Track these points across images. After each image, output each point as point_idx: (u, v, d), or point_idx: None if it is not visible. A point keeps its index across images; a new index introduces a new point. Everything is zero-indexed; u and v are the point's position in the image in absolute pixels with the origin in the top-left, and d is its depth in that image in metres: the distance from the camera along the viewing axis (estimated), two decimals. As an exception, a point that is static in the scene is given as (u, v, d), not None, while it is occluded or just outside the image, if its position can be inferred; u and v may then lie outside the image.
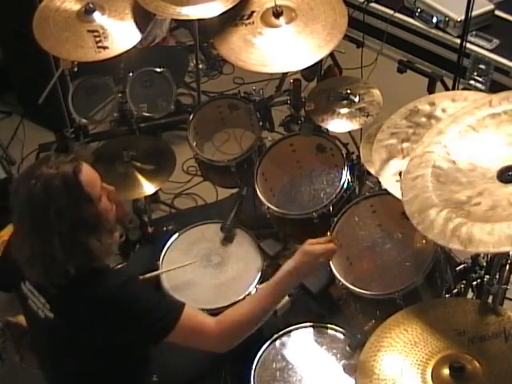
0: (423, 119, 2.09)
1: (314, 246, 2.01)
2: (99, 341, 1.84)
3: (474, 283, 2.25)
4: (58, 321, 1.86)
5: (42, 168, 1.77)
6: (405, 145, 2.05)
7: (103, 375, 1.92)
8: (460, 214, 1.61)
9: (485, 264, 2.25)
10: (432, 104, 2.12)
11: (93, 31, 2.65)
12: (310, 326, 2.29)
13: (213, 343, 1.91)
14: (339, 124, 2.57)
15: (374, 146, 2.10)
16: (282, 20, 2.58)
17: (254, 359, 2.18)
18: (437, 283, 2.18)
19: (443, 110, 2.08)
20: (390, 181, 2.01)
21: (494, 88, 2.72)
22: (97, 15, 2.69)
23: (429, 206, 1.67)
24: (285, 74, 3.77)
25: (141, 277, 2.38)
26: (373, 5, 3.10)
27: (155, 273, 2.49)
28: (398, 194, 1.87)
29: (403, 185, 1.77)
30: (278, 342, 2.25)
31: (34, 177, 1.76)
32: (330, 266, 2.26)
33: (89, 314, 1.82)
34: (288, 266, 1.98)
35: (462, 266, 2.25)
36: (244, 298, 2.41)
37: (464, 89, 2.89)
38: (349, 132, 2.86)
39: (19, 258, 1.83)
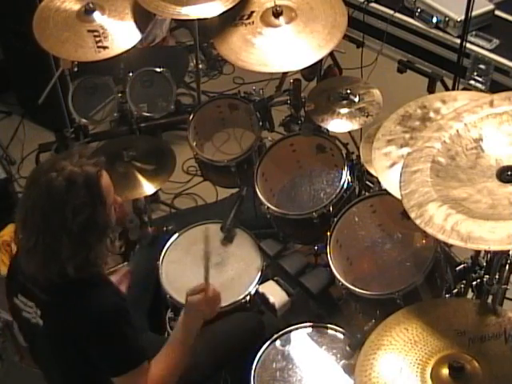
0: (417, 123, 2.09)
1: (191, 297, 1.99)
2: (75, 351, 1.84)
3: (474, 283, 2.25)
4: (45, 327, 1.86)
5: (65, 163, 1.78)
6: (404, 150, 2.05)
7: (93, 380, 1.92)
8: (460, 210, 1.62)
9: (485, 264, 2.25)
10: (423, 107, 2.12)
11: (93, 31, 2.65)
12: (310, 326, 2.29)
13: None
14: (339, 124, 2.57)
15: (373, 155, 2.09)
16: (281, 20, 2.58)
17: (254, 359, 2.18)
18: (437, 283, 2.18)
19: (436, 112, 2.08)
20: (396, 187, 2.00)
21: (494, 88, 2.72)
22: (97, 15, 2.69)
23: (428, 200, 1.67)
24: (285, 74, 3.77)
25: None
26: (373, 5, 3.10)
27: None
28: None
29: (402, 178, 1.77)
30: (277, 342, 2.25)
31: (55, 170, 1.76)
32: (330, 266, 2.26)
33: (71, 323, 1.81)
34: (180, 318, 1.99)
35: (461, 265, 2.26)
36: (244, 297, 2.42)
37: (464, 89, 2.90)
38: (349, 132, 2.86)
39: (20, 248, 1.83)
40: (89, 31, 2.65)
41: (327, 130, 2.64)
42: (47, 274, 1.79)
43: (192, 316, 1.98)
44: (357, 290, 2.18)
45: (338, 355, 2.19)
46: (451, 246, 2.16)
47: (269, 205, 2.53)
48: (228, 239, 2.64)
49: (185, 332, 1.97)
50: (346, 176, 2.49)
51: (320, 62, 3.13)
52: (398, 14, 3.02)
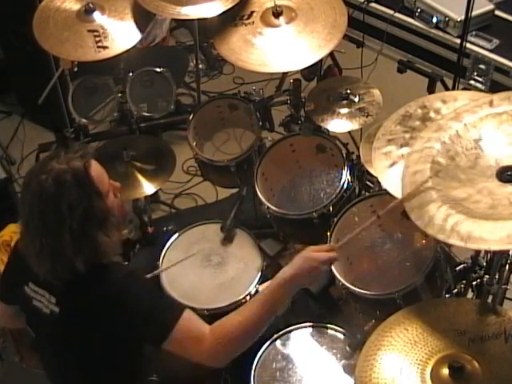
0: (418, 123, 2.09)
1: (316, 253, 1.88)
2: (98, 336, 1.84)
3: (474, 283, 2.25)
4: (62, 314, 1.87)
5: (52, 163, 1.78)
6: (404, 150, 2.05)
7: (102, 373, 1.92)
8: (460, 210, 1.61)
9: (485, 264, 2.25)
10: (423, 107, 2.12)
11: (93, 31, 2.65)
12: (310, 326, 2.29)
13: (207, 353, 1.82)
14: (339, 124, 2.57)
15: (373, 155, 2.09)
16: (281, 20, 2.58)
17: (254, 359, 2.18)
18: (437, 283, 2.18)
19: (437, 112, 2.08)
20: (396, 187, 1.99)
21: (494, 88, 2.72)
22: (97, 15, 2.69)
23: (428, 201, 1.67)
24: (285, 74, 3.77)
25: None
26: (373, 5, 3.10)
27: (158, 270, 2.49)
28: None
29: (402, 180, 1.77)
30: (278, 342, 2.25)
31: (44, 172, 1.77)
32: (329, 266, 2.26)
33: (91, 307, 1.83)
34: (286, 272, 1.85)
35: (461, 265, 2.26)
36: (244, 297, 2.42)
37: (464, 89, 2.90)
38: (349, 132, 2.86)
39: (28, 255, 1.84)
40: (89, 31, 2.65)
41: (327, 130, 2.64)
42: (58, 274, 1.81)
43: (307, 269, 1.84)
44: (357, 289, 2.18)
45: (338, 355, 2.18)
46: (451, 245, 2.16)
47: (269, 205, 2.53)
48: (228, 239, 2.64)
49: (286, 286, 1.84)
50: (346, 176, 2.49)
51: (320, 62, 3.14)
52: (398, 14, 3.03)
